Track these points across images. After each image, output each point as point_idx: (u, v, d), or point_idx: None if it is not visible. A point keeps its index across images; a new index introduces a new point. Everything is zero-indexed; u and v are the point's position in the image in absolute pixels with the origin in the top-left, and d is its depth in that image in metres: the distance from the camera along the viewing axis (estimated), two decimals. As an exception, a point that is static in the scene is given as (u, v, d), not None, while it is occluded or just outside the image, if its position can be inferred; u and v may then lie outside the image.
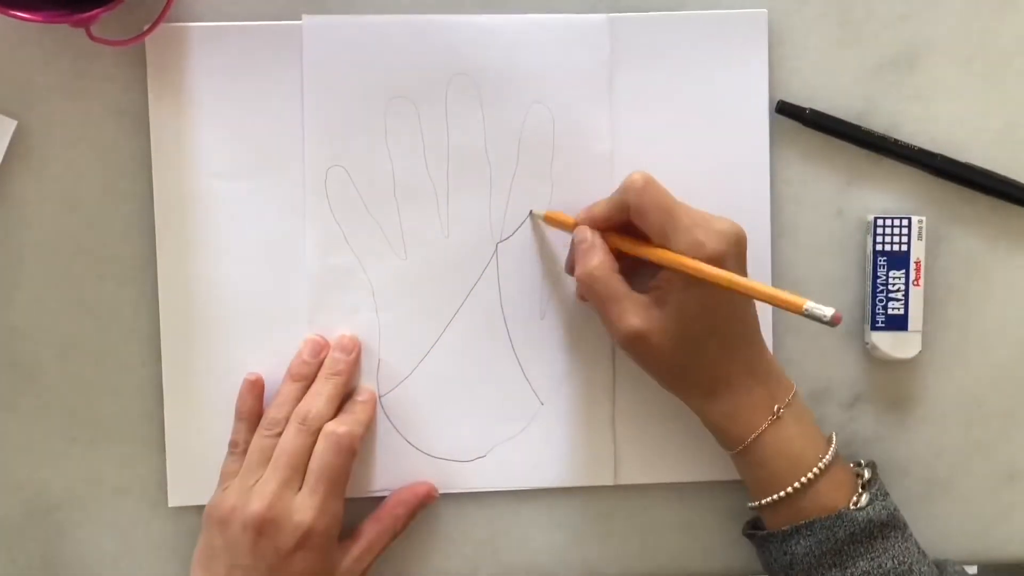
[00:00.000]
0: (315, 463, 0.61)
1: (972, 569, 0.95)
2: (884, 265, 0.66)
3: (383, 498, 0.66)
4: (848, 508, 0.59)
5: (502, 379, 0.66)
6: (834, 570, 0.59)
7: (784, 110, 0.65)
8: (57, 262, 0.65)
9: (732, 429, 0.61)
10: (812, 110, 0.66)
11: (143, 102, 0.64)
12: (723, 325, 0.59)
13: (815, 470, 0.60)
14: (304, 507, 0.60)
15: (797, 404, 0.61)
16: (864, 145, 0.66)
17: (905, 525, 0.61)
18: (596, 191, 0.65)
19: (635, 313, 0.59)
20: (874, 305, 0.66)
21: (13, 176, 0.64)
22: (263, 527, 0.60)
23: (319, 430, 0.62)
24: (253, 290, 0.65)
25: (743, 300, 0.59)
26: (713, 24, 0.65)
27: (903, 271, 0.66)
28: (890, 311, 0.66)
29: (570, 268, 0.64)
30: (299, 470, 0.61)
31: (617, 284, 0.60)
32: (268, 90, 0.64)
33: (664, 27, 0.65)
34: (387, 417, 0.66)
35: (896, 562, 0.59)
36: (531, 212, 0.65)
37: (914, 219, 0.65)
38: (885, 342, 0.66)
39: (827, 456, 0.60)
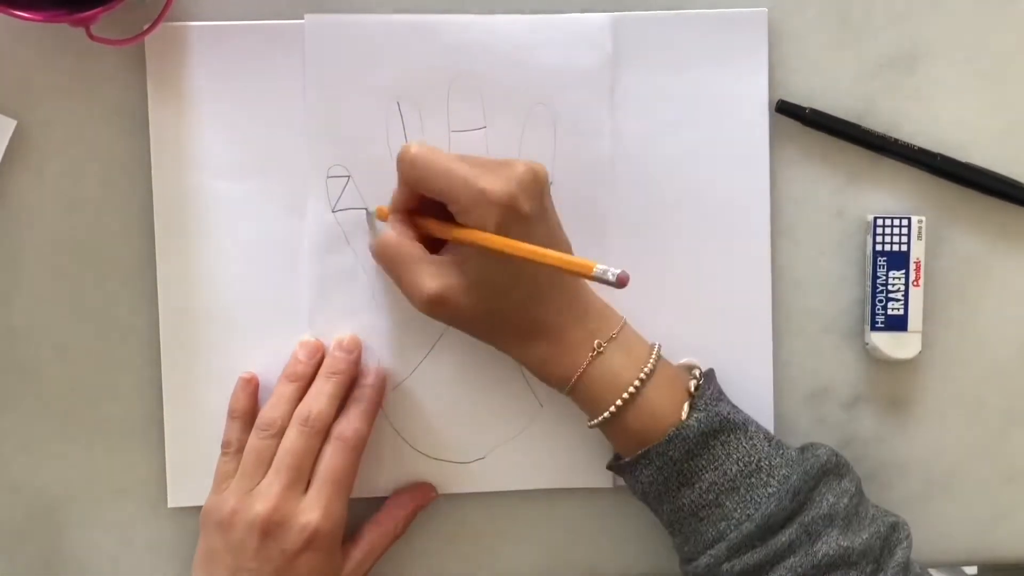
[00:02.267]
0: (322, 465, 0.61)
1: (972, 569, 0.95)
2: (884, 265, 0.66)
3: (383, 499, 0.66)
4: (676, 426, 0.59)
5: (502, 380, 0.66)
6: (684, 489, 0.59)
7: (784, 110, 0.66)
8: (57, 262, 0.65)
9: (554, 371, 0.60)
10: (812, 110, 0.66)
11: (143, 102, 0.64)
12: (528, 274, 0.58)
13: (635, 383, 0.59)
14: (310, 508, 0.60)
15: (625, 336, 0.61)
16: (864, 145, 0.66)
17: (745, 424, 0.60)
18: (597, 191, 0.65)
19: (431, 275, 0.59)
20: (874, 305, 0.66)
21: (13, 176, 0.64)
22: (269, 529, 0.59)
23: (322, 430, 0.62)
24: (253, 290, 0.65)
25: (546, 242, 0.57)
26: (713, 24, 0.65)
27: (903, 271, 0.66)
28: (890, 311, 0.66)
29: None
30: (303, 472, 0.61)
31: (409, 248, 0.60)
32: (269, 90, 0.64)
33: (664, 27, 0.65)
34: (387, 418, 0.66)
35: (742, 464, 0.59)
36: (366, 211, 0.65)
37: (914, 219, 0.65)
38: (885, 342, 0.66)
39: (646, 367, 0.60)
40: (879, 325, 0.66)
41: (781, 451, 0.60)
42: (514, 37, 0.64)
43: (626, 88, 0.65)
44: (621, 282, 0.52)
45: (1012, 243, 0.67)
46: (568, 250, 0.60)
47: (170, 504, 0.65)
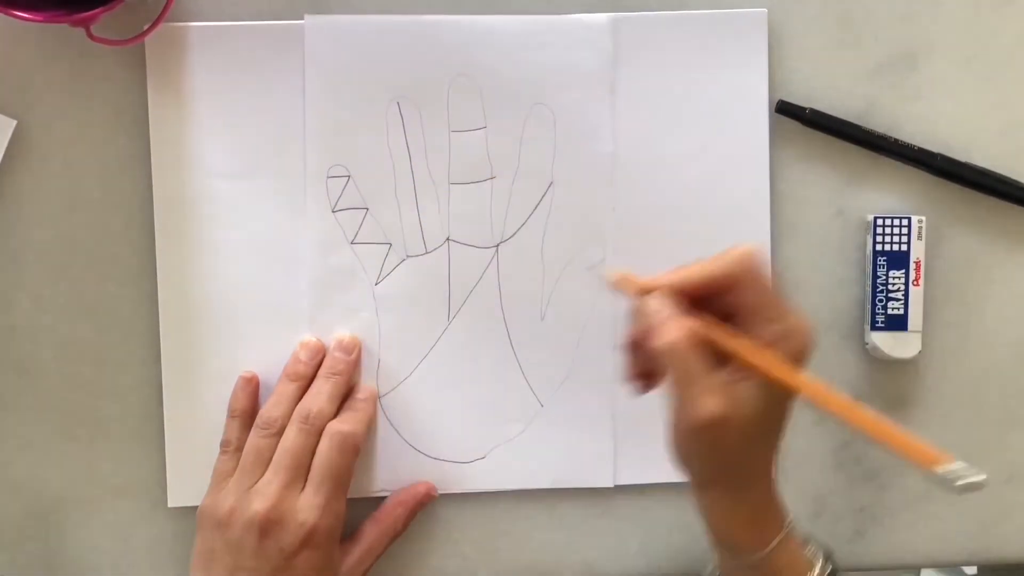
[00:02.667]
0: (318, 461, 0.61)
1: (972, 569, 0.95)
2: (884, 265, 0.66)
3: (382, 499, 0.66)
4: None
5: (502, 380, 0.66)
6: None
7: (784, 110, 0.66)
8: (57, 262, 0.64)
9: (749, 532, 0.55)
10: (812, 110, 0.66)
11: (143, 102, 0.64)
12: (777, 419, 0.54)
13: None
14: (308, 506, 0.60)
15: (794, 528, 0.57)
16: (864, 145, 0.66)
17: None
18: (597, 191, 0.65)
19: (715, 393, 0.51)
20: (874, 305, 0.66)
21: (13, 176, 0.64)
22: (267, 527, 0.59)
23: (321, 429, 0.62)
24: (253, 290, 0.65)
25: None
26: (713, 24, 0.65)
27: (903, 271, 0.66)
28: (890, 311, 0.66)
29: (631, 340, 0.56)
30: (302, 470, 0.61)
31: (699, 362, 0.51)
32: (269, 90, 0.64)
33: (665, 27, 0.65)
34: (387, 417, 0.66)
35: None
36: (597, 271, 0.62)
37: (914, 219, 0.65)
38: (885, 342, 0.66)
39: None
40: (879, 325, 0.66)
41: None
42: (514, 37, 0.64)
43: (626, 88, 0.65)
44: (975, 488, 0.44)
45: (1012, 243, 0.67)
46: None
47: (170, 504, 0.65)
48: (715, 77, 0.65)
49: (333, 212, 0.65)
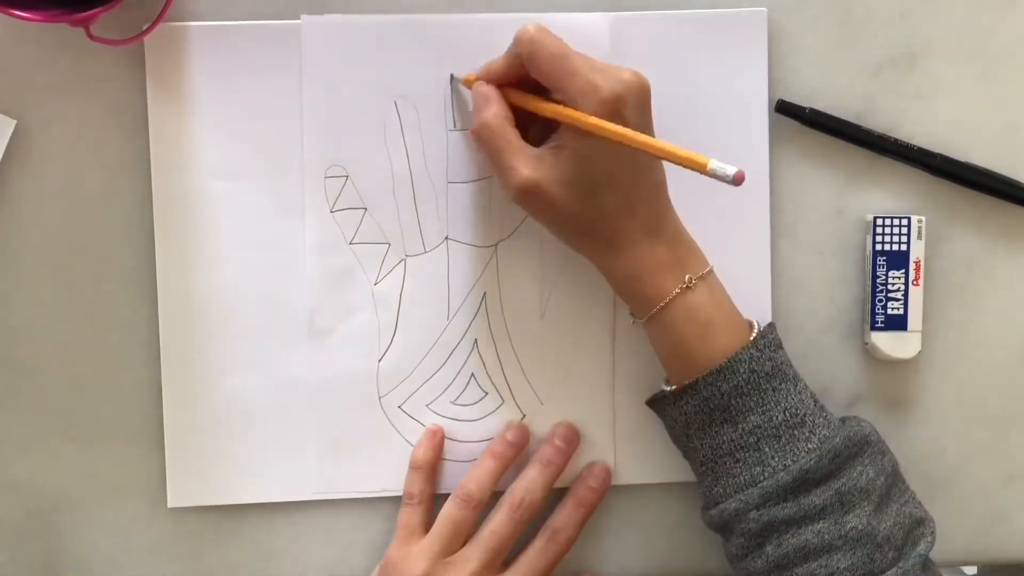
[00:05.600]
0: (527, 557, 0.63)
1: (972, 569, 0.95)
2: (884, 265, 0.65)
3: (382, 499, 0.66)
4: (730, 361, 0.58)
5: (502, 379, 0.66)
6: (726, 426, 0.59)
7: (784, 109, 0.65)
8: (56, 262, 0.65)
9: (639, 290, 0.59)
10: (812, 109, 0.65)
11: (142, 102, 0.64)
12: (623, 177, 0.58)
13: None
14: None
15: (713, 279, 0.60)
16: (864, 145, 0.66)
17: (796, 378, 0.60)
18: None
19: (527, 164, 0.58)
20: (874, 305, 0.66)
21: (12, 176, 0.64)
22: None
23: (531, 520, 0.63)
24: (252, 290, 0.65)
25: (645, 154, 0.56)
26: (713, 23, 0.65)
27: (903, 271, 0.66)
28: (890, 311, 0.66)
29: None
30: (502, 554, 0.63)
31: (510, 135, 0.59)
32: (267, 90, 0.64)
33: (664, 26, 0.65)
34: (387, 417, 0.66)
35: (788, 414, 0.58)
36: (451, 75, 0.64)
37: (914, 219, 0.65)
38: (885, 342, 0.66)
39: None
40: (879, 325, 0.66)
41: (825, 414, 0.60)
42: (512, 36, 0.64)
43: (625, 88, 0.65)
44: (738, 180, 0.51)
45: (1012, 243, 0.67)
46: (658, 175, 0.60)
47: (170, 504, 0.65)
48: (715, 77, 0.65)
49: (332, 212, 0.65)
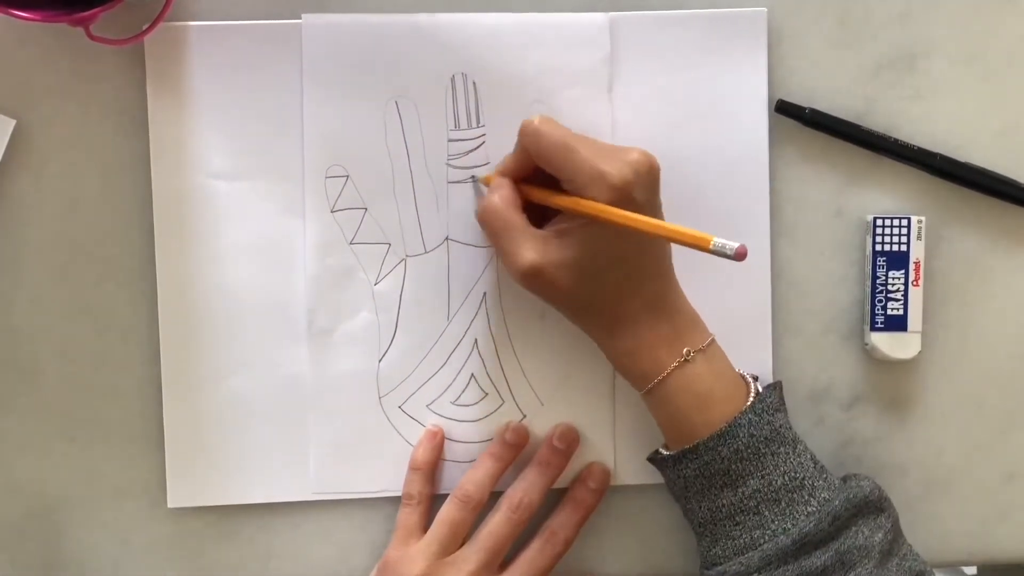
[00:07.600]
0: (525, 558, 0.63)
1: (972, 569, 0.95)
2: (883, 265, 0.66)
3: (382, 499, 0.66)
4: (729, 426, 0.59)
5: (502, 379, 0.66)
6: (726, 490, 0.59)
7: (784, 110, 0.65)
8: (56, 262, 0.65)
9: (635, 367, 0.60)
10: (812, 110, 0.66)
11: (142, 102, 0.64)
12: (628, 258, 0.59)
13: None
14: None
15: (713, 349, 0.60)
16: (864, 145, 0.66)
17: (796, 441, 0.60)
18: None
19: (531, 247, 0.58)
20: (873, 305, 0.66)
21: (12, 176, 0.64)
22: None
23: (529, 520, 0.63)
24: (252, 290, 0.65)
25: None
26: (713, 23, 0.65)
27: (902, 271, 0.66)
28: (889, 311, 0.66)
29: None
30: (500, 555, 0.63)
31: (514, 218, 0.59)
32: (267, 89, 0.64)
33: (664, 26, 0.65)
34: (387, 417, 0.66)
35: (787, 478, 0.59)
36: (472, 176, 0.65)
37: (913, 219, 0.65)
38: (884, 343, 0.66)
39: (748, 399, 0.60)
40: (879, 325, 0.66)
41: (825, 475, 0.60)
42: (512, 36, 0.64)
43: (625, 88, 0.65)
44: (740, 256, 0.51)
45: (1012, 243, 0.67)
46: (663, 253, 0.60)
47: (170, 504, 0.65)
48: (715, 77, 0.65)
49: (332, 212, 0.65)
